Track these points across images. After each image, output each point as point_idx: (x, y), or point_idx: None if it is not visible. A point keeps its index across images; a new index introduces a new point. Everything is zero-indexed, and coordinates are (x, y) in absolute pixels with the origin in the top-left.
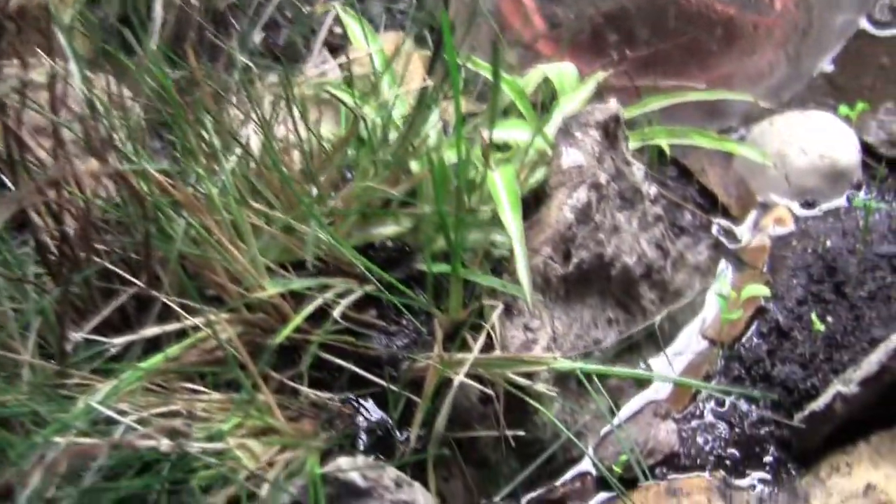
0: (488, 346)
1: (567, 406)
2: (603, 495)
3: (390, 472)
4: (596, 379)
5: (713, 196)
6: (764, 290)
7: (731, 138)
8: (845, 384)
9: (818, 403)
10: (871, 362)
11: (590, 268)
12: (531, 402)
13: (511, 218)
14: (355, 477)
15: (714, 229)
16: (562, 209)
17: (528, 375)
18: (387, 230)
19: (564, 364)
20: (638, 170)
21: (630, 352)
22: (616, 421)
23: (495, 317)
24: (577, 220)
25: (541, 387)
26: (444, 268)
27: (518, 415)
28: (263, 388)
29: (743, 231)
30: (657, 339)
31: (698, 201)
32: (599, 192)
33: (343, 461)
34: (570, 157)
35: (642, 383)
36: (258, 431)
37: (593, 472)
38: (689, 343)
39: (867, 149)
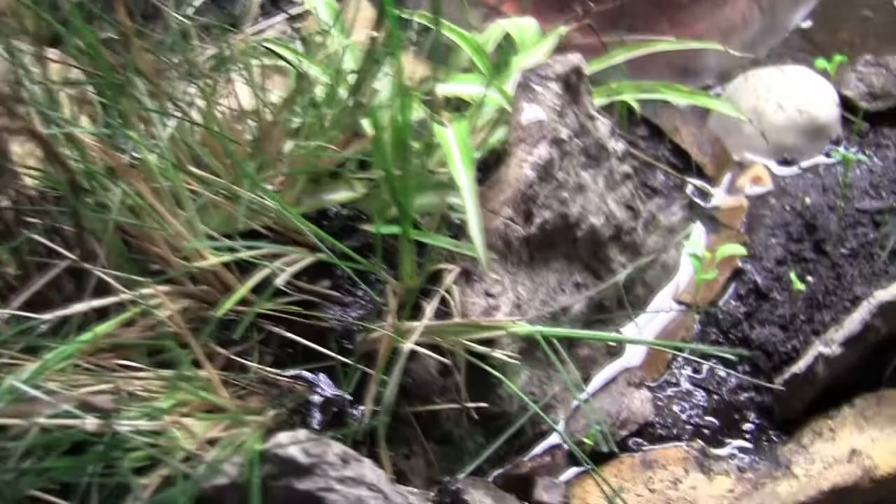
0: (447, 315)
1: (535, 377)
2: (575, 469)
3: (335, 448)
4: (564, 349)
5: (686, 156)
6: (740, 250)
7: (710, 95)
8: (827, 345)
9: (799, 366)
10: (854, 321)
11: (554, 229)
12: (494, 373)
13: (463, 173)
14: (295, 453)
15: (688, 190)
16: (522, 167)
17: (490, 344)
18: (339, 196)
19: (524, 328)
20: (603, 125)
21: (601, 319)
22: (588, 391)
23: (452, 283)
24: (539, 178)
25: (500, 354)
26: (393, 229)
27: (481, 387)
28: (206, 364)
29: (718, 191)
30: (631, 305)
31: (671, 161)
32: (561, 149)
33: (283, 437)
34: (530, 112)
35: (615, 352)
36: (201, 409)
37: (565, 445)
38: (663, 308)
39: (846, 103)
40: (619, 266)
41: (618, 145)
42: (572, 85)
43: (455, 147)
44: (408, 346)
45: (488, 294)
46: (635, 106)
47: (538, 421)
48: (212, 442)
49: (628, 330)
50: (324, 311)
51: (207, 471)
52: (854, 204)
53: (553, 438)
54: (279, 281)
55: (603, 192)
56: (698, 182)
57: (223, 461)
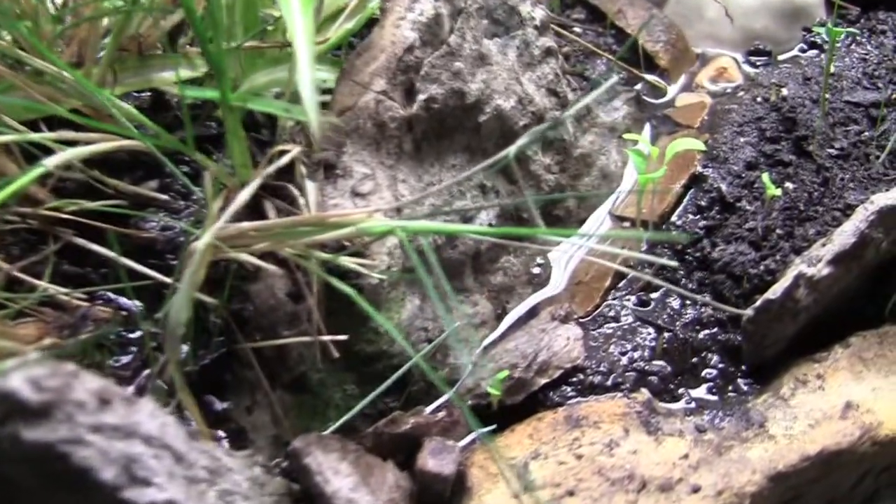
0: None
1: (428, 307)
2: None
3: (88, 382)
4: (470, 274)
5: (635, 44)
6: (697, 144)
7: None
8: (811, 263)
9: (774, 292)
10: (846, 232)
11: (446, 110)
12: (356, 298)
13: (297, 9)
14: (19, 386)
15: (639, 86)
16: (399, 26)
17: (358, 258)
18: (172, 74)
19: (380, 224)
20: None
21: (520, 241)
22: (501, 327)
23: (306, 177)
24: (422, 40)
25: (359, 266)
26: (208, 93)
27: (348, 317)
28: None
29: (675, 87)
30: (559, 220)
31: (616, 50)
32: (453, 5)
33: (12, 364)
34: None
35: (537, 280)
36: None
37: (470, 398)
38: (602, 225)
39: None
40: (542, 169)
41: (536, 11)
42: None
43: None
44: (238, 256)
45: (356, 193)
46: None
47: (435, 365)
48: None
49: (556, 253)
50: (147, 219)
51: None
52: (843, 96)
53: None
54: (51, 161)
55: (515, 68)
56: (650, 76)
57: None
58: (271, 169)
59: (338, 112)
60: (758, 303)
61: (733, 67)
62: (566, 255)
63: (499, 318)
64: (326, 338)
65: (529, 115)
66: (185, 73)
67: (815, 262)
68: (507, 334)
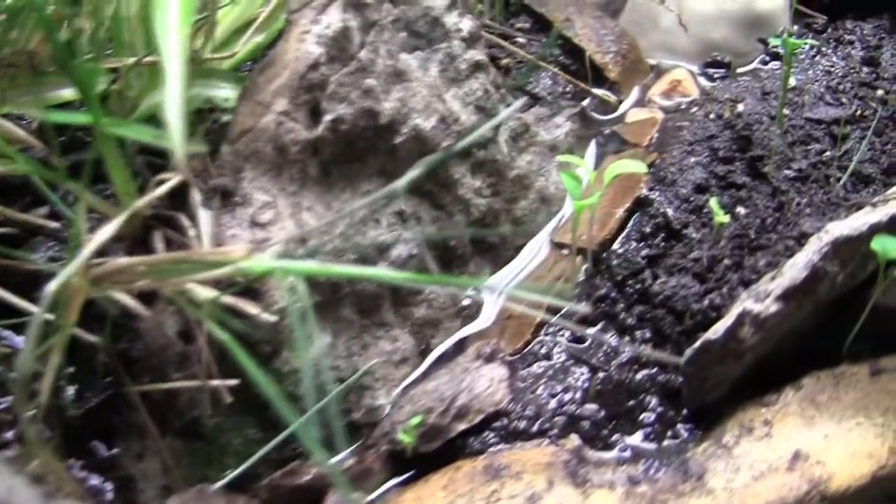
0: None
1: (342, 343)
2: (397, 479)
3: None
4: (389, 306)
5: (584, 55)
6: (639, 167)
7: None
8: (758, 299)
9: (716, 331)
10: (797, 265)
11: (355, 131)
12: (236, 346)
13: (173, 22)
14: None
15: (587, 101)
16: (304, 40)
17: (252, 296)
18: (69, 92)
19: (262, 264)
20: None
21: (448, 266)
22: (424, 364)
23: (200, 204)
24: (329, 56)
25: (242, 306)
26: (77, 117)
27: (249, 355)
28: None
29: (626, 100)
30: (493, 248)
31: (564, 63)
32: (365, 17)
33: None
34: None
35: (467, 313)
36: None
37: (385, 443)
38: (538, 253)
39: None
40: (472, 192)
41: (464, 22)
42: None
43: None
44: (114, 295)
45: (256, 223)
46: None
47: (350, 407)
48: None
49: (495, 280)
50: (34, 248)
51: None
52: (804, 112)
53: (375, 432)
54: None
55: (437, 85)
56: (598, 90)
57: None
58: (147, 199)
59: (237, 134)
60: (697, 343)
61: (689, 80)
62: (502, 283)
63: (423, 354)
64: (216, 382)
65: (454, 135)
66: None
67: (763, 297)
68: (430, 372)
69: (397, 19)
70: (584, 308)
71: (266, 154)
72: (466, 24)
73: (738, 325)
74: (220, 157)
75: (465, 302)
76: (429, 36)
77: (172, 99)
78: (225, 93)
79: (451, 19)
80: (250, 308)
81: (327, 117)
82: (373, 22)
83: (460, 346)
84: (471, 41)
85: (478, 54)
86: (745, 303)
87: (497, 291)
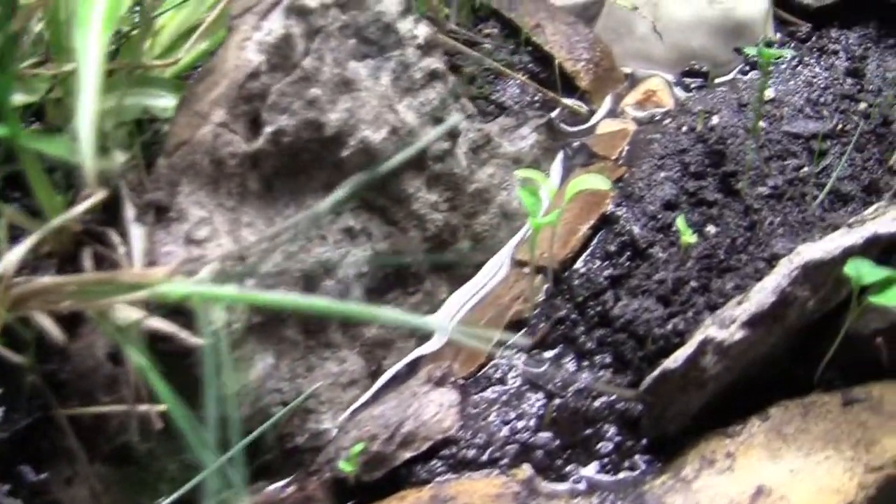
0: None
1: (285, 365)
2: None
3: None
4: (338, 325)
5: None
6: (603, 183)
7: None
8: (723, 326)
9: (675, 359)
10: (765, 290)
11: (298, 143)
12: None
13: (94, 29)
14: None
15: (556, 111)
16: (243, 48)
17: (178, 317)
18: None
19: (179, 288)
20: None
21: (403, 284)
22: (375, 386)
23: (134, 220)
24: (270, 64)
25: (179, 332)
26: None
27: (181, 379)
28: None
29: (599, 110)
30: (450, 265)
31: (534, 70)
32: (309, 23)
33: None
34: None
35: (421, 334)
36: None
37: (328, 470)
38: (498, 270)
39: None
40: (427, 207)
41: (418, 28)
42: None
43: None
44: (34, 316)
45: (191, 239)
46: None
47: (294, 431)
48: None
49: (452, 302)
50: None
51: None
52: (782, 126)
53: (318, 458)
54: None
55: (389, 94)
56: (568, 100)
57: None
58: (69, 215)
59: (174, 146)
60: (656, 372)
61: (664, 90)
62: (460, 302)
63: (374, 375)
64: (144, 407)
65: (408, 147)
66: (21, 99)
67: (728, 323)
68: (381, 395)
69: (346, 25)
70: (526, 341)
71: (203, 167)
72: (422, 31)
73: (699, 353)
74: (156, 170)
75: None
76: (380, 43)
77: (84, 111)
78: (164, 102)
79: (405, 25)
80: (176, 331)
81: (268, 129)
82: (318, 28)
83: (413, 368)
84: (427, 48)
85: (434, 62)
86: (709, 329)
87: (442, 329)
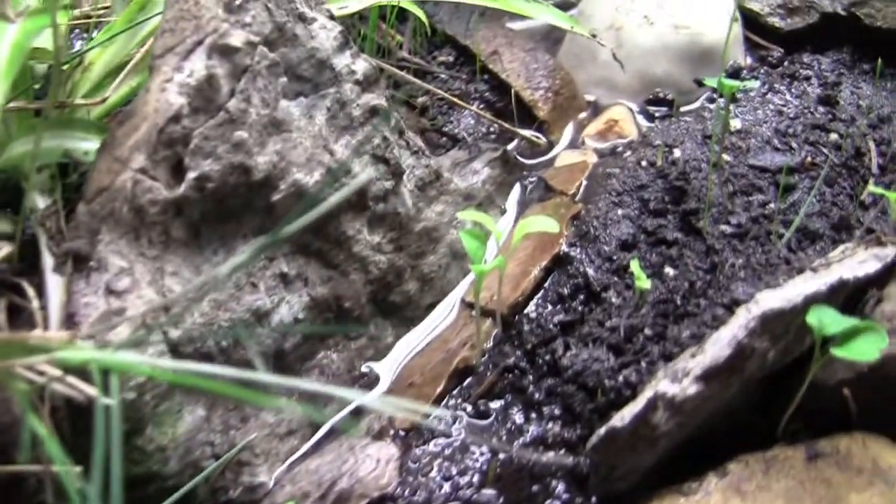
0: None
1: (218, 418)
2: None
3: None
4: (273, 370)
5: (513, 92)
6: (551, 226)
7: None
8: (675, 380)
9: (622, 418)
10: (720, 341)
11: (224, 189)
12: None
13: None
14: None
15: (513, 143)
16: (164, 89)
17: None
18: None
19: (79, 353)
20: (326, 30)
21: (343, 335)
22: (314, 438)
23: (52, 269)
24: (192, 107)
25: (88, 390)
26: None
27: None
28: None
29: (561, 141)
30: (397, 308)
31: (490, 100)
32: (234, 63)
33: None
34: (186, 1)
35: (365, 382)
36: None
37: None
38: (449, 313)
39: (752, 20)
40: (370, 249)
41: (357, 63)
42: None
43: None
44: None
45: (111, 290)
46: (420, 15)
47: (227, 485)
48: None
49: (398, 347)
50: None
51: None
52: (748, 159)
53: None
54: None
55: (324, 134)
56: (526, 131)
57: None
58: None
59: (94, 192)
60: (602, 430)
61: (627, 119)
62: (408, 346)
63: (315, 424)
64: (56, 468)
65: (344, 189)
66: None
67: (681, 377)
68: (322, 444)
69: (275, 64)
70: (447, 416)
71: (123, 215)
72: (361, 66)
73: (649, 409)
74: (76, 218)
75: (364, 368)
76: (315, 80)
77: None
78: (87, 145)
79: (341, 61)
80: (86, 389)
81: (191, 174)
82: (244, 68)
83: (357, 416)
84: (367, 84)
85: (374, 98)
86: (661, 383)
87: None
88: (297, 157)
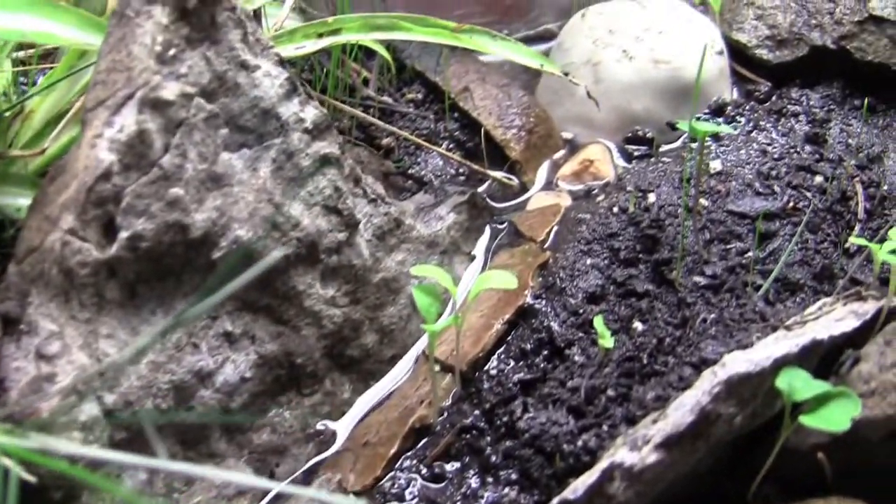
0: None
1: (161, 482)
2: None
3: None
4: (220, 430)
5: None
6: (509, 283)
7: (495, 34)
8: (634, 447)
9: (575, 490)
10: (683, 407)
11: (160, 248)
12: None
13: None
14: None
15: (484, 186)
16: (94, 146)
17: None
18: None
19: None
20: (271, 77)
21: (297, 387)
22: (265, 500)
23: None
24: (123, 163)
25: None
26: None
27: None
28: None
29: (536, 182)
30: (355, 362)
31: (461, 139)
32: (168, 117)
33: None
34: (119, 51)
35: (321, 439)
36: None
37: None
38: (412, 367)
39: (739, 52)
40: (323, 303)
41: (306, 111)
42: (193, 9)
43: None
44: None
45: (41, 355)
46: (384, 53)
47: None
48: None
49: (358, 403)
50: None
51: None
52: (727, 204)
53: None
54: None
55: (269, 188)
56: (498, 172)
57: None
58: None
59: (24, 253)
60: (554, 502)
61: (603, 159)
62: (368, 402)
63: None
64: None
65: (294, 244)
66: None
67: (641, 444)
68: None
69: (214, 115)
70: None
71: (52, 277)
72: (310, 113)
73: (605, 479)
74: (7, 278)
75: (319, 426)
76: (259, 131)
77: None
78: (20, 201)
79: (288, 109)
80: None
81: (123, 234)
82: (179, 121)
83: (311, 475)
84: (317, 132)
85: (326, 146)
86: (619, 451)
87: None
88: (239, 213)
